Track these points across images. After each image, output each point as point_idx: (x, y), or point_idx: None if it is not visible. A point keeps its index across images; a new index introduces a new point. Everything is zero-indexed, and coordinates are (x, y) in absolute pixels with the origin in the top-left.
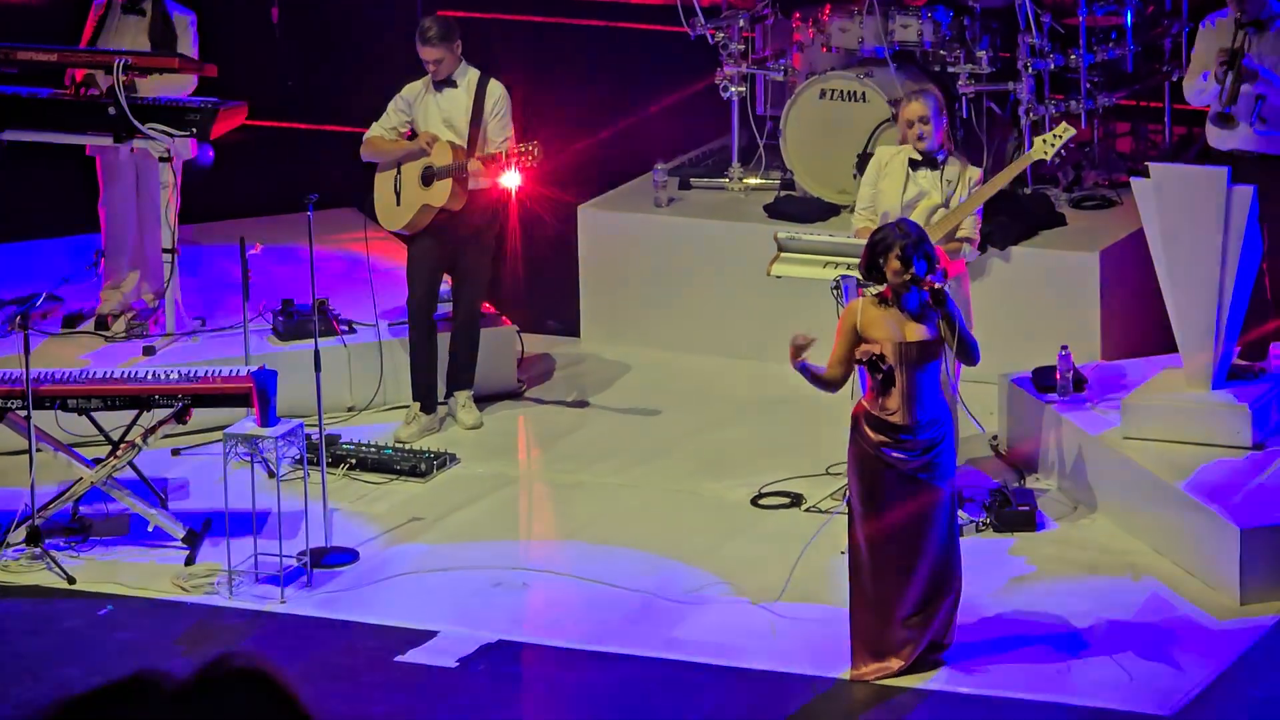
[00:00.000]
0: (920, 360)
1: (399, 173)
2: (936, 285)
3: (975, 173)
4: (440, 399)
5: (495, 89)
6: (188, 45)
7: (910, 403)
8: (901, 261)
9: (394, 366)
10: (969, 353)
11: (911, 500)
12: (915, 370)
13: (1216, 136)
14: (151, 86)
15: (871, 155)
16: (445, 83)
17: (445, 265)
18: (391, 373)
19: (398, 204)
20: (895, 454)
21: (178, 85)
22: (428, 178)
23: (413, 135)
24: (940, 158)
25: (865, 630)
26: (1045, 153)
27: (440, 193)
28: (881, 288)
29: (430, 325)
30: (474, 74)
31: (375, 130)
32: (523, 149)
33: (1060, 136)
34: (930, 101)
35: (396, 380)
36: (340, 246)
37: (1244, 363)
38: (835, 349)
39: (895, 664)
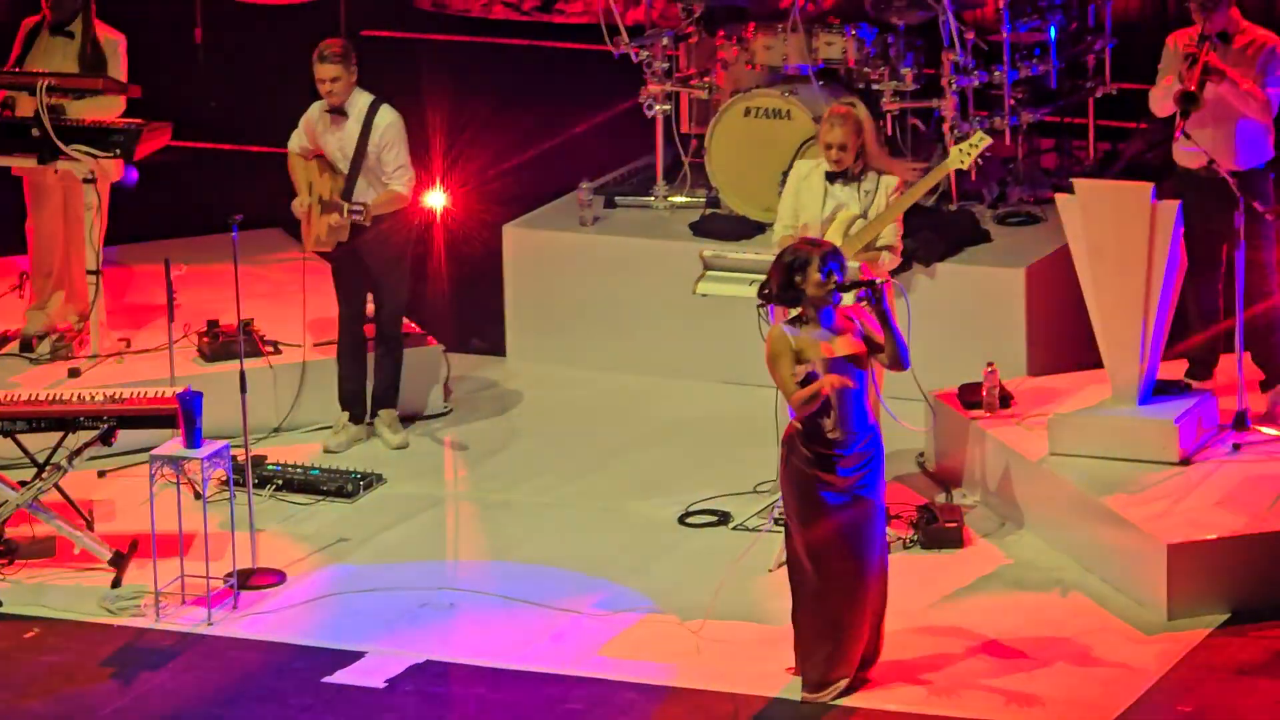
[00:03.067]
0: (851, 372)
1: (311, 192)
2: (877, 281)
3: (893, 181)
4: (366, 419)
5: (384, 117)
6: (118, 68)
7: (846, 416)
8: (823, 272)
9: (319, 386)
10: (899, 357)
11: (850, 515)
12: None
13: (1183, 154)
14: (80, 109)
15: None
16: (337, 111)
17: (368, 282)
18: (316, 391)
19: (309, 225)
20: (833, 471)
21: (106, 107)
22: (324, 205)
23: (319, 155)
24: (857, 169)
25: (814, 651)
26: (962, 162)
27: (329, 220)
28: (796, 310)
29: (359, 336)
30: (365, 101)
31: (293, 144)
32: (351, 207)
33: (976, 146)
34: (849, 126)
35: (321, 399)
36: (265, 267)
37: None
38: (784, 374)
39: (844, 682)
